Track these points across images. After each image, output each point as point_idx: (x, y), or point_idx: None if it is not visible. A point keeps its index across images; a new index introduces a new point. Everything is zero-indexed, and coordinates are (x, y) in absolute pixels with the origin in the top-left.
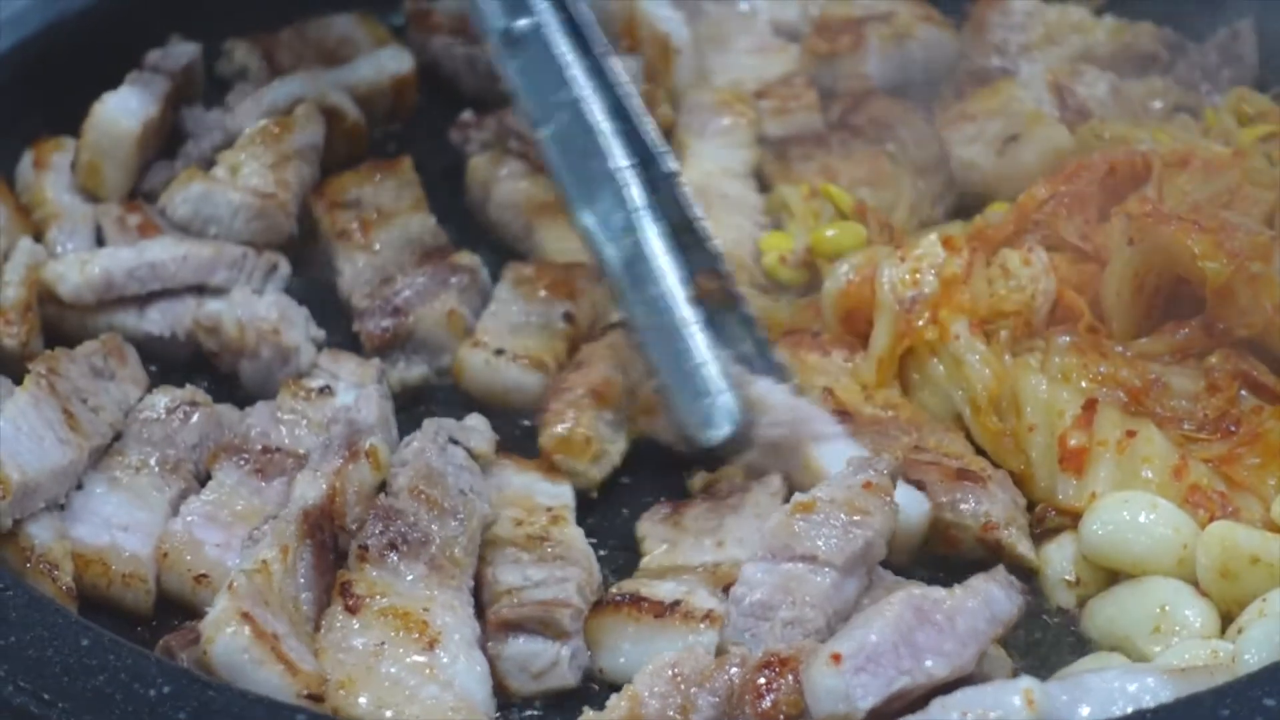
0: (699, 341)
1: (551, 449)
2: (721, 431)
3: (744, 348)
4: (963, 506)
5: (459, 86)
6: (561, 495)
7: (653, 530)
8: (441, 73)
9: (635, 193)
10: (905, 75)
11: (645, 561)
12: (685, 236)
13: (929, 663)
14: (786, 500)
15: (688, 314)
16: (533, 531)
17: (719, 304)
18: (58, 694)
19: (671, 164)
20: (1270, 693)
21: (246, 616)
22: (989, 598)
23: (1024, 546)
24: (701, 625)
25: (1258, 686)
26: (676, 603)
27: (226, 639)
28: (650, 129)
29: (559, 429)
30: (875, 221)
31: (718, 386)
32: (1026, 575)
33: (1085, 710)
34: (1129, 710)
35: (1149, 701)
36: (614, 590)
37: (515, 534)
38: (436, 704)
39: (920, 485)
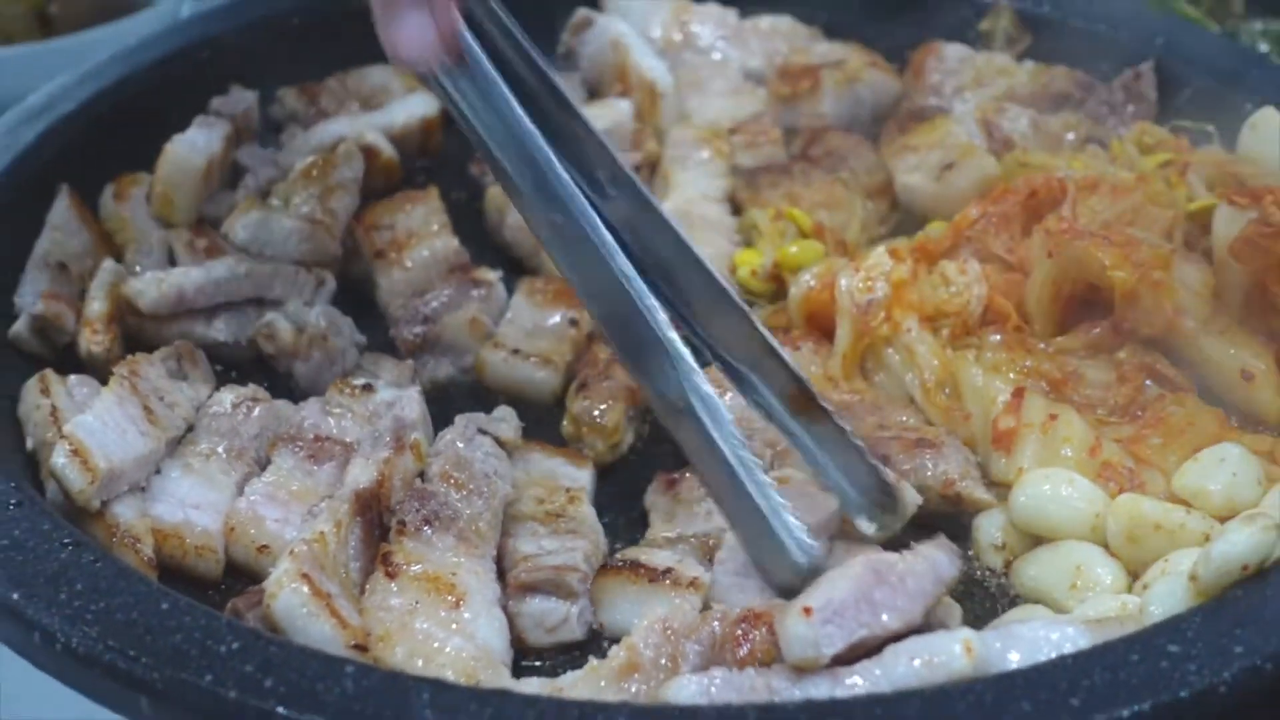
0: (763, 490)
1: (585, 426)
2: (795, 573)
3: (841, 457)
4: (924, 470)
5: None
6: (580, 478)
7: (656, 503)
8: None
9: (684, 360)
10: (855, 113)
11: (650, 533)
12: (766, 363)
13: (885, 617)
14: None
15: (746, 465)
16: (551, 509)
17: (810, 418)
18: (141, 651)
19: (742, 304)
20: (1173, 640)
21: (305, 577)
22: (934, 562)
23: (980, 492)
24: (688, 590)
25: (1162, 635)
26: (668, 569)
27: (287, 595)
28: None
29: (595, 412)
30: (832, 239)
31: (785, 532)
32: (963, 541)
33: (1015, 656)
34: (1053, 655)
35: (1069, 648)
36: (617, 556)
37: (536, 510)
38: (460, 654)
39: (885, 457)
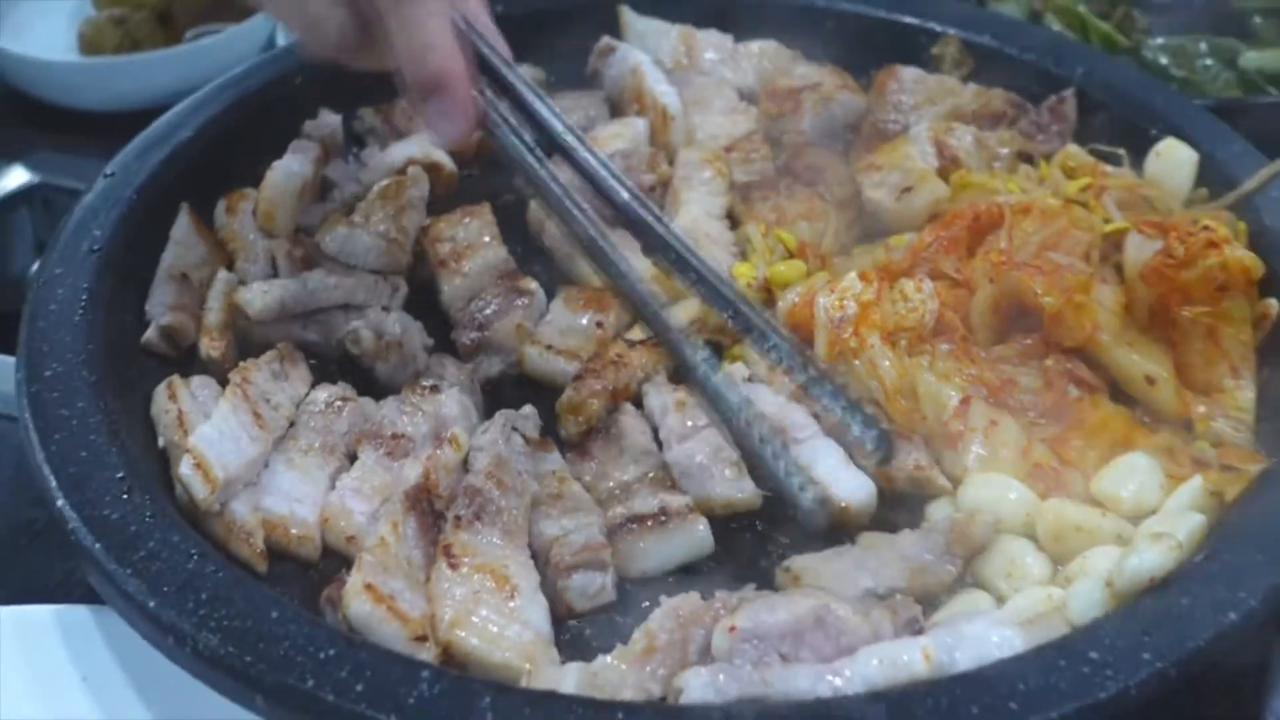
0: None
1: (562, 409)
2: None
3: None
4: (900, 453)
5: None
6: (555, 460)
7: (581, 469)
8: None
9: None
10: (830, 127)
11: (606, 486)
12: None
13: (805, 654)
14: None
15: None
16: (550, 491)
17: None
18: (256, 656)
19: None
20: (1093, 648)
21: (369, 587)
22: (878, 630)
23: (941, 480)
24: (690, 518)
25: (1084, 643)
26: (664, 509)
27: (356, 606)
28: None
29: (580, 401)
30: (812, 254)
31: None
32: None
33: (961, 655)
34: (994, 655)
35: (1008, 650)
36: (611, 516)
37: (539, 495)
38: (521, 640)
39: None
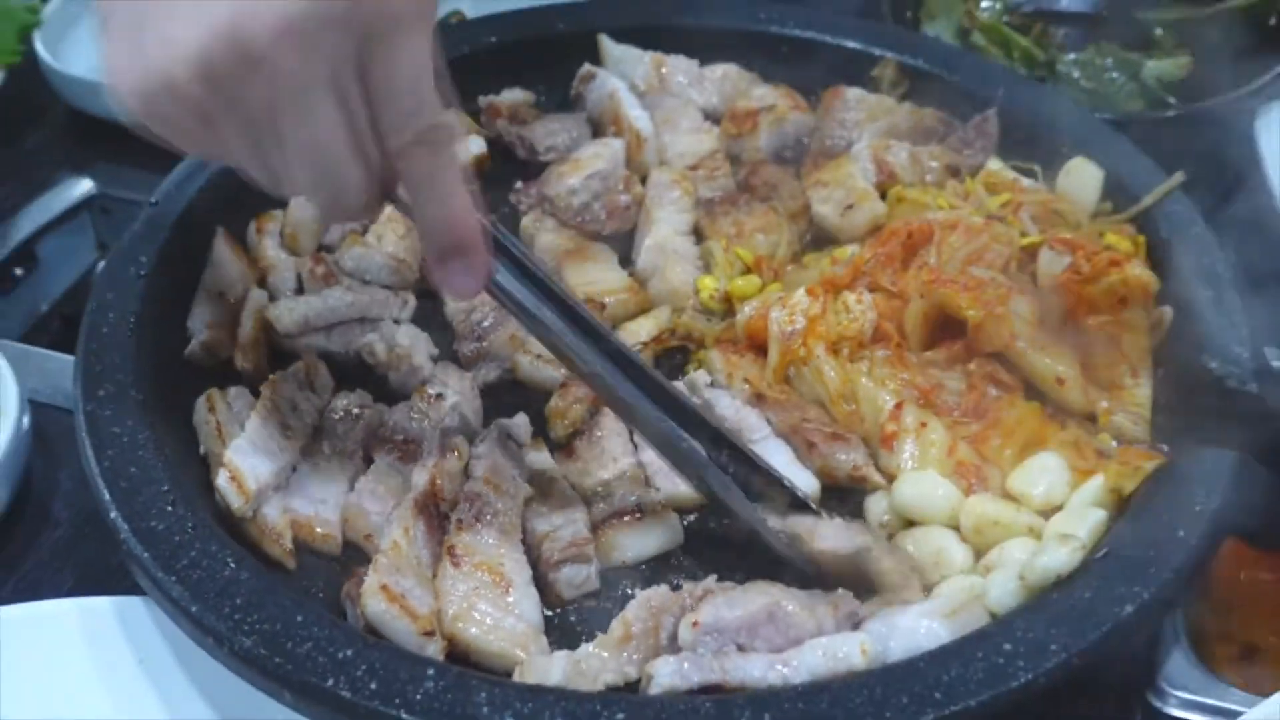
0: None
1: (550, 413)
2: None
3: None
4: (839, 456)
5: (513, 153)
6: (544, 459)
7: (568, 468)
8: (501, 143)
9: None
10: (783, 144)
11: (589, 484)
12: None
13: (758, 644)
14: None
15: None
16: (541, 490)
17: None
18: (284, 656)
19: (715, 422)
20: (1007, 639)
21: (384, 588)
22: (821, 623)
23: (877, 477)
24: (665, 516)
25: (999, 635)
26: (640, 505)
27: (371, 605)
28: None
29: (565, 408)
30: (767, 267)
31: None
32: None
33: (894, 645)
34: (923, 645)
35: (934, 641)
36: (595, 511)
37: (531, 494)
38: (515, 631)
39: (811, 443)
